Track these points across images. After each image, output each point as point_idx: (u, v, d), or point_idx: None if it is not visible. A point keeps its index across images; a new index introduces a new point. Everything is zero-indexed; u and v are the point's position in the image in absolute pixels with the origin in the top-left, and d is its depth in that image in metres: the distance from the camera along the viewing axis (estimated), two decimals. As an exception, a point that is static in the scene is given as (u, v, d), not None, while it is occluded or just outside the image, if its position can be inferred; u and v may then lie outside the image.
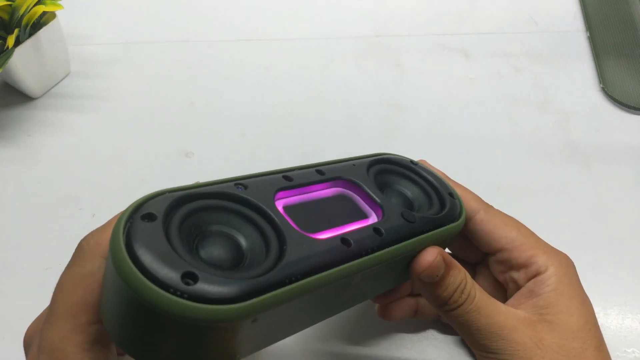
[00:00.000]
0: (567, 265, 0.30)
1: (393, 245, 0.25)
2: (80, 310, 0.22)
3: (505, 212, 0.32)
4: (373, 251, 0.24)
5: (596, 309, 0.38)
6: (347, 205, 0.27)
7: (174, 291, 0.18)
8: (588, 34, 0.57)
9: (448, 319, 0.28)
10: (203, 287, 0.18)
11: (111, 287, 0.20)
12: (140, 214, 0.20)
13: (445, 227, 0.28)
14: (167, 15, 0.61)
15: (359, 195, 0.28)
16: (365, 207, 0.27)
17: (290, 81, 0.54)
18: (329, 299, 0.24)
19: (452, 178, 0.34)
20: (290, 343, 0.36)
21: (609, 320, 0.37)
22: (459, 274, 0.28)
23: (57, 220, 0.43)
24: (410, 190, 0.31)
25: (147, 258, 0.18)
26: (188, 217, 0.21)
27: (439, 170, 0.33)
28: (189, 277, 0.18)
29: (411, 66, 0.55)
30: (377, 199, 0.27)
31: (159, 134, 0.50)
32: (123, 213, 0.20)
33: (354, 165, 0.29)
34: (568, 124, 0.50)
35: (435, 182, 0.31)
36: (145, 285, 0.18)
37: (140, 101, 0.53)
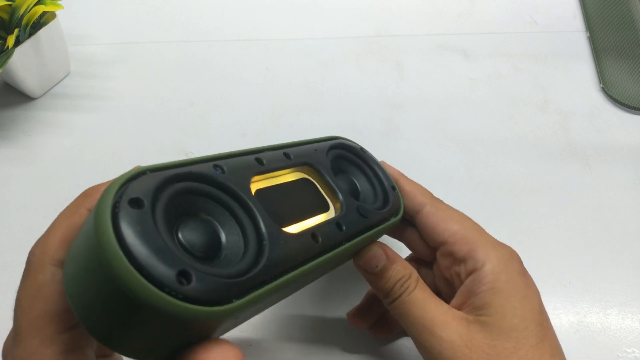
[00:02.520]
0: (507, 261, 0.29)
1: (351, 239, 0.27)
2: (44, 322, 0.21)
3: (460, 208, 0.33)
4: (336, 247, 0.26)
5: (596, 309, 0.38)
6: (310, 193, 0.29)
7: (169, 291, 0.17)
8: (588, 34, 0.57)
9: (392, 312, 0.30)
10: (196, 287, 0.18)
11: (87, 272, 0.18)
12: (127, 199, 0.18)
13: (389, 222, 0.31)
14: (167, 15, 0.61)
15: (319, 184, 0.29)
16: (326, 197, 0.29)
17: (290, 81, 0.54)
18: (295, 285, 0.25)
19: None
20: (289, 343, 0.36)
21: (609, 320, 0.37)
22: (403, 270, 0.29)
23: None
24: (358, 179, 0.33)
25: (142, 253, 0.17)
26: (170, 201, 0.20)
27: (395, 169, 0.35)
28: (184, 276, 0.18)
29: (411, 66, 0.55)
30: (336, 189, 0.29)
31: (159, 134, 0.50)
32: (105, 194, 0.18)
33: (315, 150, 0.30)
34: (568, 124, 0.50)
35: (380, 174, 0.33)
36: (140, 283, 0.17)
37: (140, 101, 0.53)
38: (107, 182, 0.22)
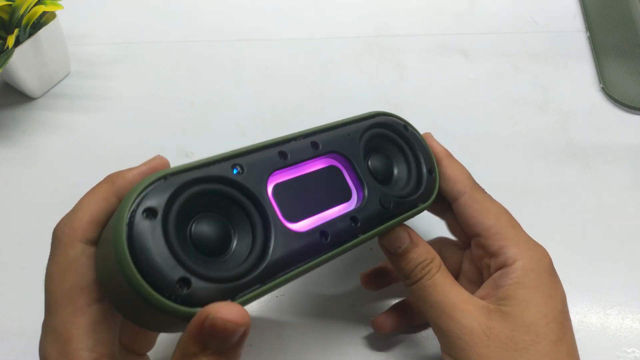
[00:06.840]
0: (539, 260, 0.30)
1: (366, 232, 0.27)
2: (76, 294, 0.22)
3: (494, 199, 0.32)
4: (346, 241, 0.26)
5: (596, 309, 0.38)
6: (334, 181, 0.28)
7: (169, 295, 0.20)
8: (588, 34, 0.57)
9: (411, 294, 0.30)
10: (195, 291, 0.21)
11: (110, 266, 0.21)
12: (142, 208, 0.21)
13: (416, 209, 0.30)
14: (167, 15, 0.61)
15: (347, 171, 0.29)
16: (350, 186, 0.29)
17: (290, 81, 0.54)
18: (300, 276, 0.26)
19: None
20: (292, 345, 0.36)
21: (609, 320, 0.37)
22: (425, 254, 0.30)
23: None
24: (396, 159, 0.32)
25: (148, 263, 0.20)
26: (186, 204, 0.22)
27: (441, 147, 0.34)
28: (184, 282, 0.21)
29: (411, 66, 0.55)
30: (362, 178, 0.29)
31: (159, 134, 0.50)
32: (125, 202, 0.21)
33: (348, 134, 0.30)
34: (568, 124, 0.50)
35: (419, 155, 0.32)
36: (144, 288, 0.20)
37: (140, 101, 0.53)
38: (129, 169, 0.25)
